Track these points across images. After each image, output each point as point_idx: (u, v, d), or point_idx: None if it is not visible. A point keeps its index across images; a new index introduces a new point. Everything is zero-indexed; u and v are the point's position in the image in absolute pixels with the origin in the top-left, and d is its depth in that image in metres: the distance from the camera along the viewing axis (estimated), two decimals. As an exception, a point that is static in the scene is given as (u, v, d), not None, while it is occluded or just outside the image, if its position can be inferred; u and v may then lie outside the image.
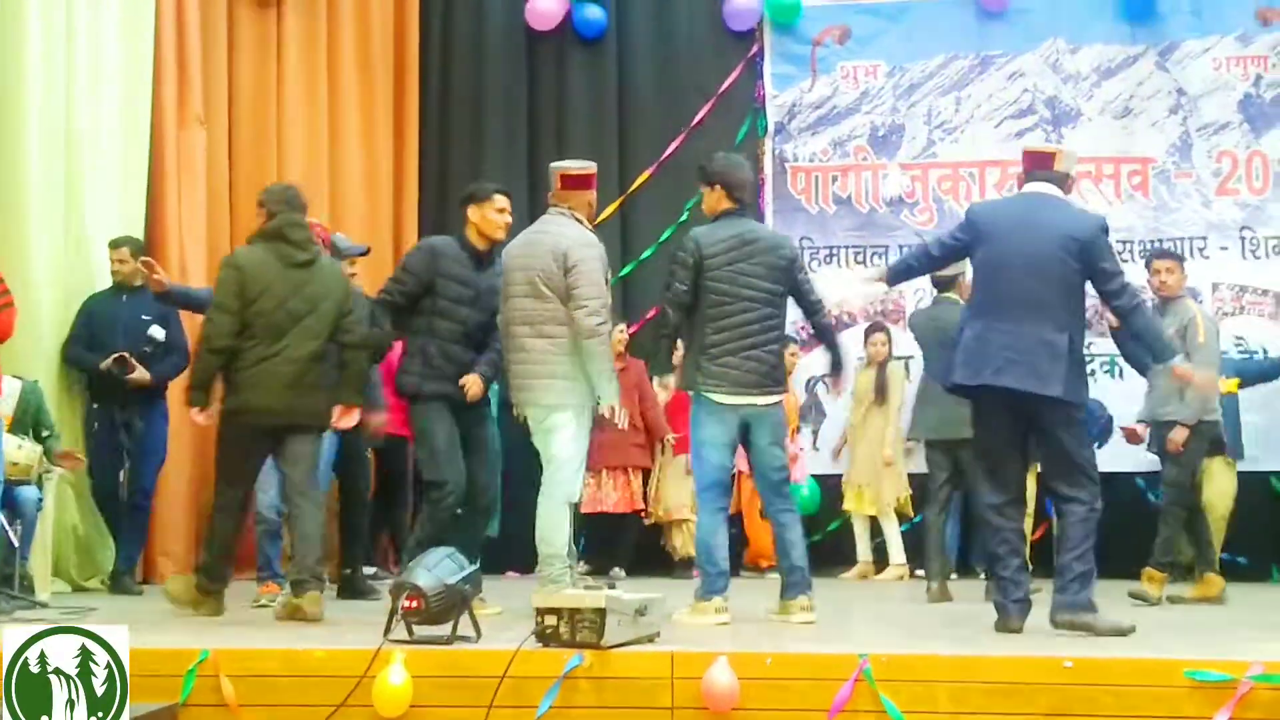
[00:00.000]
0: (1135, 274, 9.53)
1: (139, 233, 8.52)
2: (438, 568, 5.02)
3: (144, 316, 7.89)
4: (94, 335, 7.92)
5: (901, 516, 9.34)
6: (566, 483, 6.23)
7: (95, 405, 8.00)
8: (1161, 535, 7.50)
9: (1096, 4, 10.09)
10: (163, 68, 8.84)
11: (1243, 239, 9.43)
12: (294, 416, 6.24)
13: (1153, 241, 9.73)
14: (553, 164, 6.61)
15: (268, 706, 4.72)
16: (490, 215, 6.56)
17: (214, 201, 9.24)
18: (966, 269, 7.94)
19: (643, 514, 9.48)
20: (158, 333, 7.96)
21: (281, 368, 6.19)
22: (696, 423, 6.12)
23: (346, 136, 9.97)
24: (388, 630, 4.98)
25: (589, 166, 6.54)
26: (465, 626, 5.03)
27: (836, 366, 6.43)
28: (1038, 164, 5.87)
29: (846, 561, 9.44)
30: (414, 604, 4.91)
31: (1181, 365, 5.88)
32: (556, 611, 4.76)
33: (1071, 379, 5.53)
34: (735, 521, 9.57)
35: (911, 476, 9.23)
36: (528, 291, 6.22)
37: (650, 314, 9.71)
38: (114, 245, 8.01)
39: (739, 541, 9.44)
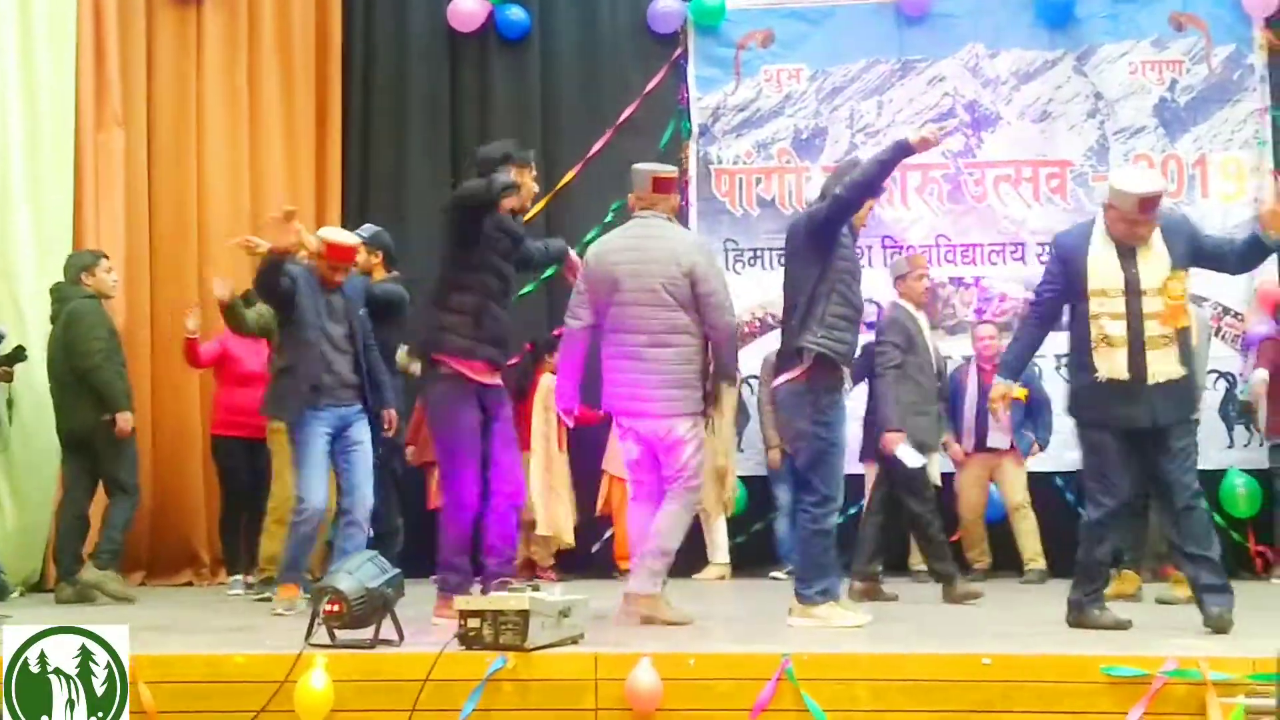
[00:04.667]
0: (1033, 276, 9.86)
1: (67, 237, 8.47)
2: (359, 571, 4.99)
3: None
4: None
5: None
6: (695, 491, 6.22)
7: None
8: None
9: (1015, 9, 10.19)
10: (80, 68, 8.76)
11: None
12: (75, 431, 7.79)
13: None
14: (637, 165, 6.45)
15: (187, 713, 4.68)
16: (528, 180, 6.36)
17: (133, 203, 9.15)
18: None
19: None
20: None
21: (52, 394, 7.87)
22: None
23: (268, 136, 9.87)
24: (309, 635, 4.95)
25: (674, 170, 6.52)
26: (388, 630, 5.00)
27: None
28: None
29: (770, 561, 9.45)
30: (335, 608, 4.88)
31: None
32: (479, 614, 4.76)
33: None
34: (607, 521, 9.61)
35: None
36: (648, 300, 6.10)
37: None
38: None
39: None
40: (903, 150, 5.82)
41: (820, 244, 5.94)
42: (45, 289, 8.32)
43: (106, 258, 8.13)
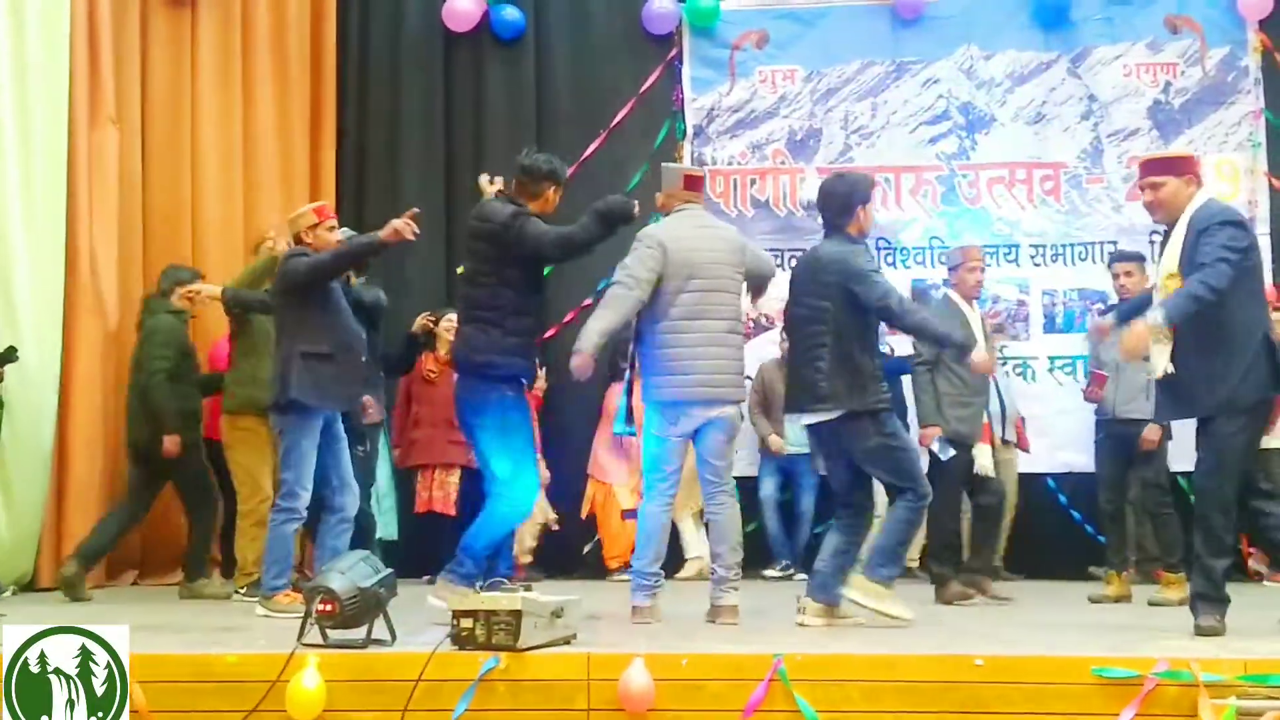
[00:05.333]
0: (1047, 278, 9.89)
1: (60, 236, 8.45)
2: (351, 571, 4.98)
3: None
4: None
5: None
6: (732, 486, 6.34)
7: None
8: (1163, 539, 7.58)
9: (1010, 10, 10.19)
10: (74, 67, 8.73)
11: (1152, 243, 9.52)
12: (138, 444, 7.98)
13: (1068, 245, 9.90)
14: (667, 164, 6.70)
15: (179, 712, 4.67)
16: (555, 199, 6.45)
17: (126, 202, 9.11)
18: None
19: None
20: None
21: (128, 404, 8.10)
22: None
23: (262, 136, 9.84)
24: (301, 634, 4.94)
25: (702, 170, 7.11)
26: (380, 630, 5.00)
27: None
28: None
29: (761, 561, 9.41)
30: (328, 607, 4.88)
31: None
32: (472, 614, 4.75)
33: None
34: (591, 523, 9.61)
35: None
36: (726, 287, 6.18)
37: (569, 318, 9.76)
38: None
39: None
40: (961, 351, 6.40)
41: (861, 304, 5.97)
42: (37, 289, 8.30)
43: (203, 277, 8.41)
